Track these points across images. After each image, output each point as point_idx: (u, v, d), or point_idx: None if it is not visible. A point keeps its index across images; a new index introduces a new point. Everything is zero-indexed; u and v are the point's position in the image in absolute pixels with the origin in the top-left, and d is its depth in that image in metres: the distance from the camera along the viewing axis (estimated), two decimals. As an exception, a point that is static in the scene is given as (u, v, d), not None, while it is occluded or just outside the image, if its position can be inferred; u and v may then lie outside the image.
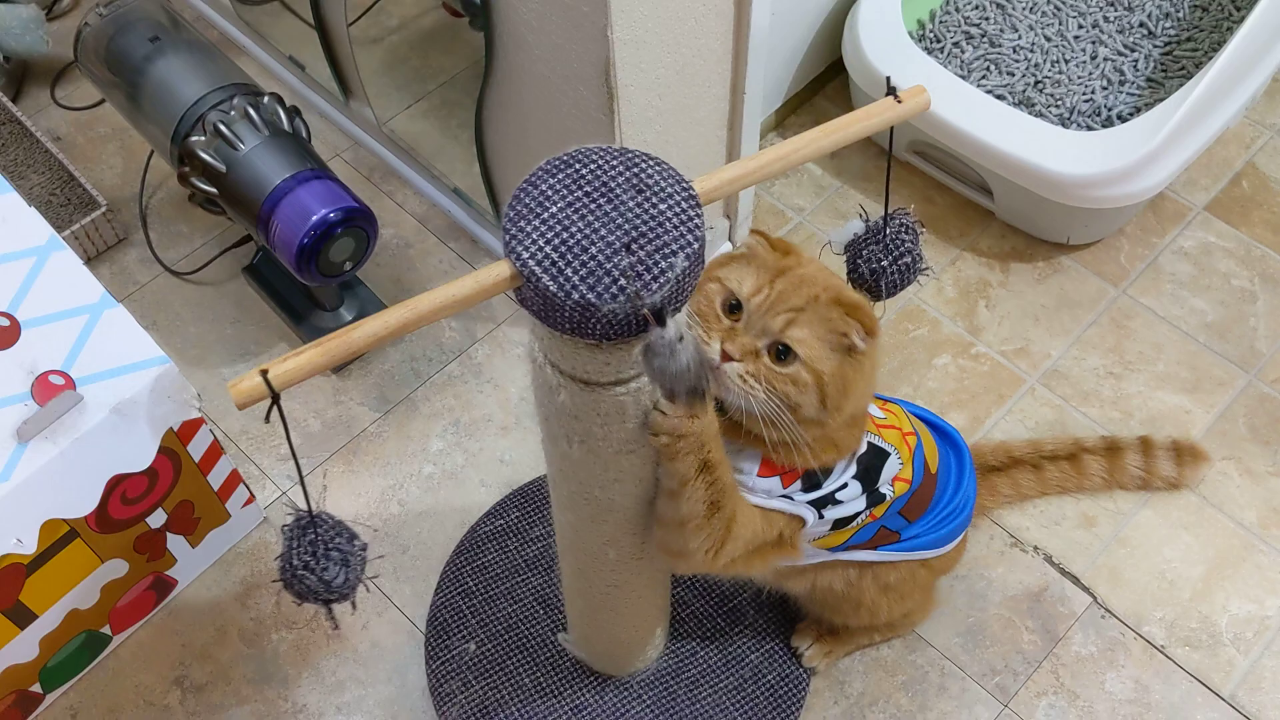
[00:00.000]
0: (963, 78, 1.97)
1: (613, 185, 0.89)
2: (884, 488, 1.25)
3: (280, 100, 1.69)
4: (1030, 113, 1.92)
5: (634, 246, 0.83)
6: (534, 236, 0.86)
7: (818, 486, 1.19)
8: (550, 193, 0.90)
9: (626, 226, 0.85)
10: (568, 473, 1.08)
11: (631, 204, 0.86)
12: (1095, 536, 1.68)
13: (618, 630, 1.39)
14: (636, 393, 0.96)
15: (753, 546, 1.18)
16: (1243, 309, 1.89)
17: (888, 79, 0.90)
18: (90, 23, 1.77)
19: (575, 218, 0.87)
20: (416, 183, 2.02)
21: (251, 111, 1.64)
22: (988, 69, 1.99)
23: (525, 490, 1.68)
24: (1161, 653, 1.59)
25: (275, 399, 0.83)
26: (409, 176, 2.03)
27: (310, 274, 1.62)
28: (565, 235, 0.85)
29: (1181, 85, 1.87)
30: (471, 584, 1.58)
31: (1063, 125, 1.92)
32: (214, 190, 1.65)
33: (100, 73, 1.77)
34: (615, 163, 0.90)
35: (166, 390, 1.34)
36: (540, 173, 0.91)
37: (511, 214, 0.89)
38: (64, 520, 1.37)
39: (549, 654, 1.52)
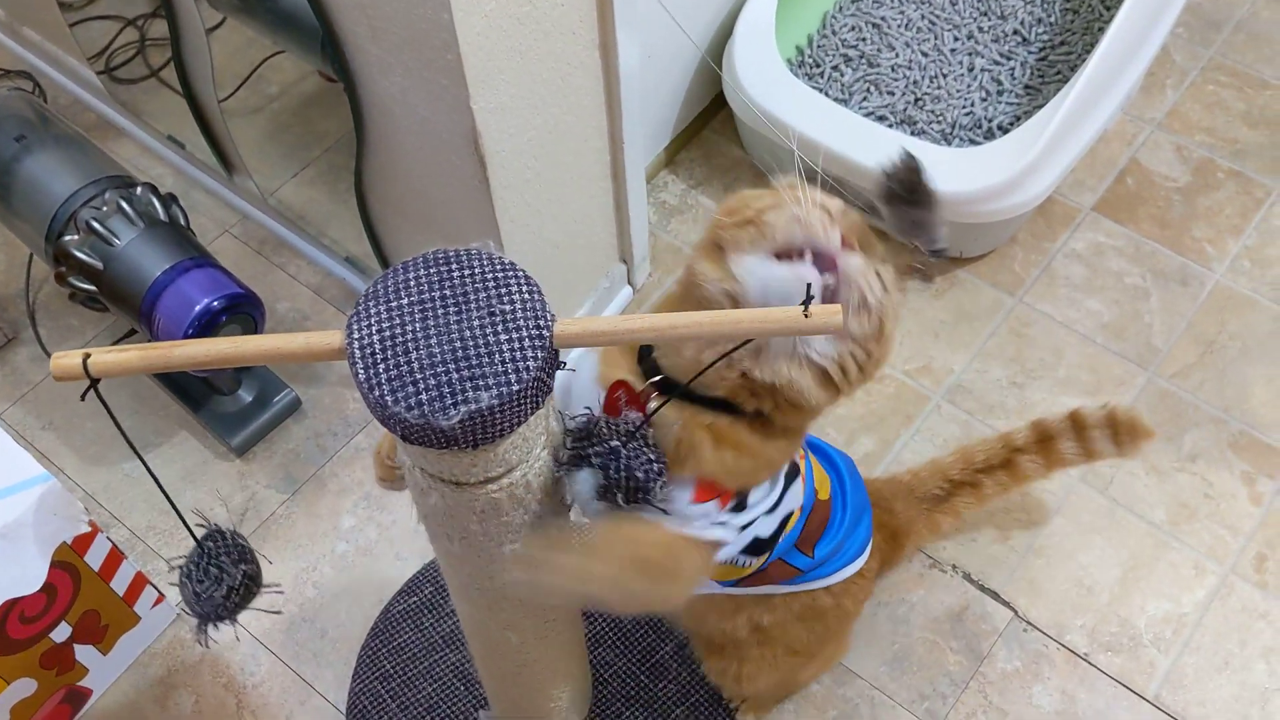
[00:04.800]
0: (844, 101, 1.98)
1: (472, 298, 0.87)
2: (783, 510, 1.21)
3: (154, 189, 1.66)
4: (912, 131, 1.94)
5: (450, 366, 0.82)
6: (372, 320, 0.85)
7: (743, 508, 1.12)
8: (411, 283, 0.88)
9: (458, 344, 0.83)
10: (454, 566, 1.07)
11: (477, 323, 0.85)
12: (1011, 549, 1.70)
13: (537, 703, 1.37)
14: (510, 488, 0.95)
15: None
16: (1137, 306, 1.92)
17: (808, 286, 0.85)
18: (-47, 126, 1.73)
19: (417, 317, 0.85)
20: (309, 253, 2.00)
21: (124, 205, 1.61)
22: (868, 90, 2.00)
23: (438, 563, 1.66)
24: (1085, 660, 1.61)
25: (93, 383, 0.85)
26: (301, 247, 2.01)
27: (199, 365, 1.59)
28: (398, 331, 0.84)
29: (1059, 90, 1.89)
30: (389, 667, 1.56)
31: (945, 141, 1.93)
32: (93, 288, 1.62)
33: (-32, 176, 1.73)
34: (490, 277, 0.89)
35: (52, 507, 1.31)
36: (416, 260, 0.90)
37: (369, 289, 0.88)
38: (-42, 650, 1.34)
39: (474, 730, 1.50)
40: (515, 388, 0.82)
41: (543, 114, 1.47)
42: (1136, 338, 1.89)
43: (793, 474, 1.19)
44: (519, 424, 0.86)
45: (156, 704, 1.60)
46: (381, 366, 0.83)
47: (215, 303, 1.56)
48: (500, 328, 0.85)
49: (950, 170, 1.79)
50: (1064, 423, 1.59)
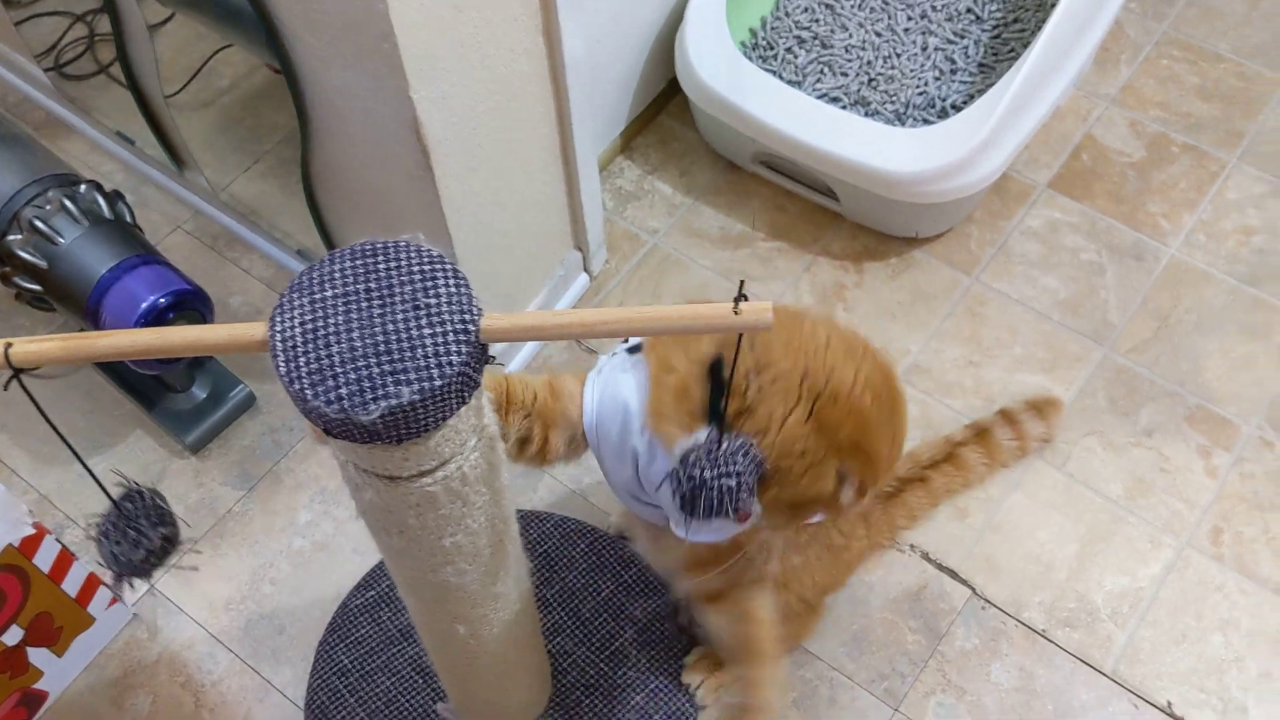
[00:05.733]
0: (797, 84, 1.97)
1: (397, 291, 0.86)
2: None
3: (99, 187, 1.64)
4: (866, 112, 1.93)
5: (371, 360, 0.81)
6: (294, 313, 0.84)
7: None
8: (336, 276, 0.87)
9: (380, 338, 0.82)
10: (397, 561, 1.07)
11: (400, 317, 0.84)
12: (969, 527, 1.70)
13: (493, 695, 1.37)
14: (446, 481, 0.94)
15: None
16: (1093, 282, 1.92)
17: (741, 283, 0.85)
18: (-108, 126, 1.70)
19: (340, 310, 0.84)
20: (262, 246, 1.98)
21: (68, 203, 1.59)
22: (822, 72, 2.00)
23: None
24: (1043, 637, 1.61)
25: (16, 373, 0.85)
26: (253, 241, 1.99)
27: (146, 363, 1.57)
28: (320, 324, 0.83)
29: (1012, 67, 1.89)
30: (346, 661, 1.55)
31: (899, 121, 1.93)
32: (38, 288, 1.60)
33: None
34: (417, 269, 0.87)
35: (-4, 511, 1.30)
36: (343, 252, 0.88)
37: (295, 281, 0.86)
38: (-96, 657, 1.32)
39: (432, 723, 1.50)
40: (438, 383, 0.81)
41: (486, 102, 1.46)
42: (1092, 314, 1.89)
43: None
44: (444, 419, 0.85)
45: (113, 705, 1.59)
46: (303, 360, 0.82)
47: (161, 299, 1.54)
48: (424, 321, 0.84)
49: (904, 150, 1.79)
50: (994, 416, 1.73)
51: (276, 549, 1.70)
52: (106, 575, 1.03)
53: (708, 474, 0.97)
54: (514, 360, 1.84)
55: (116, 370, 1.82)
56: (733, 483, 0.97)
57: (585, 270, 1.93)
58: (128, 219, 1.66)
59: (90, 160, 2.13)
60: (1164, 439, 1.76)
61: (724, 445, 0.97)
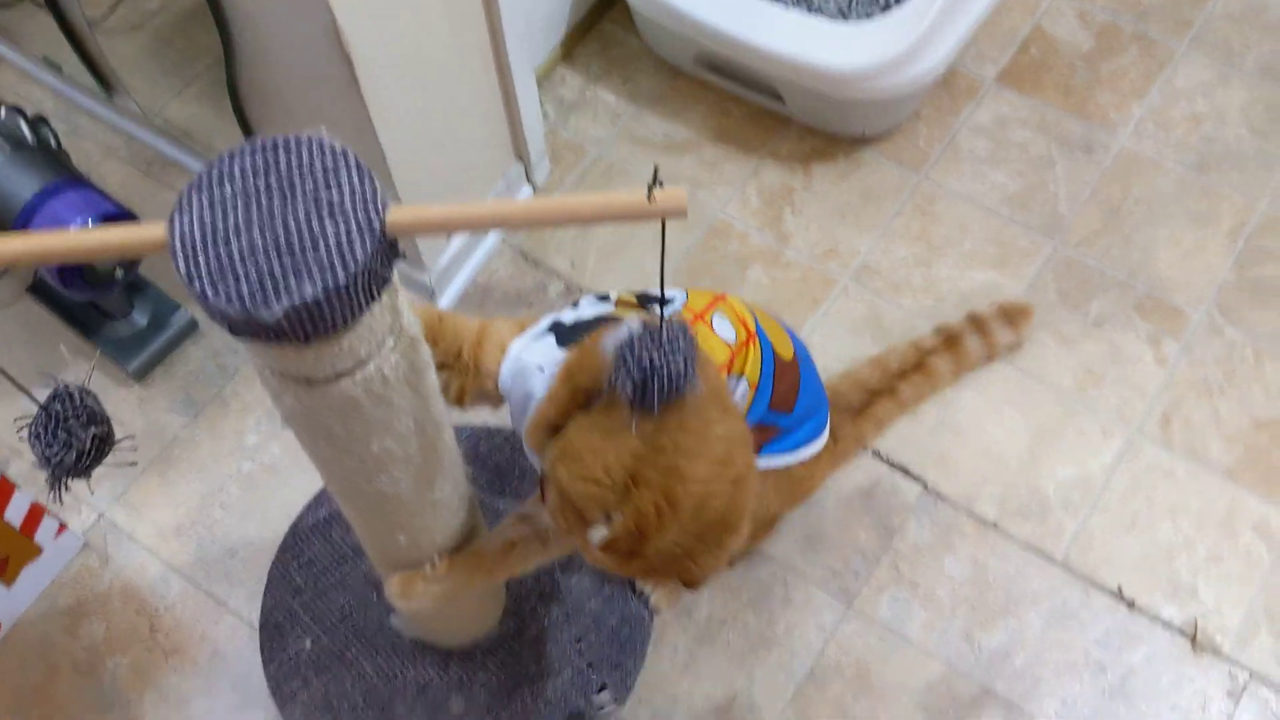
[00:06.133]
0: (738, -18, 1.93)
1: (298, 186, 0.83)
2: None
3: (20, 112, 1.60)
4: (809, 8, 1.89)
5: (272, 257, 0.79)
6: (194, 211, 0.82)
7: None
8: (236, 172, 0.84)
9: (280, 233, 0.80)
10: (329, 470, 1.05)
11: (302, 211, 0.81)
12: (921, 426, 1.70)
13: (446, 607, 1.37)
14: (366, 383, 0.92)
15: None
16: (1042, 176, 1.91)
17: (655, 169, 0.82)
18: None
19: (239, 206, 0.82)
20: (197, 170, 1.94)
21: (-11, 128, 1.55)
22: (763, -30, 1.95)
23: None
24: (995, 528, 1.62)
25: None
26: (189, 165, 1.95)
27: (80, 288, 1.55)
28: (220, 221, 0.80)
29: (955, -41, 1.85)
30: (299, 580, 1.55)
31: (843, 16, 1.89)
32: (-37, 216, 1.56)
33: None
34: (319, 164, 0.84)
35: (-75, 441, 1.28)
36: (244, 149, 0.85)
37: (195, 179, 0.84)
38: None
39: (387, 638, 1.50)
40: (342, 278, 0.79)
41: (410, 8, 1.42)
42: (1042, 208, 1.88)
43: None
44: (354, 316, 0.83)
45: (67, 633, 1.58)
46: (202, 259, 0.79)
47: (89, 222, 1.51)
48: (327, 215, 0.82)
49: (847, 45, 1.76)
50: (964, 323, 1.71)
51: (225, 473, 1.69)
52: (45, 491, 1.02)
53: (656, 359, 0.95)
54: (455, 280, 1.81)
55: (55, 299, 1.78)
56: (680, 363, 0.95)
57: (529, 181, 1.90)
58: (53, 144, 1.62)
59: (19, 89, 2.07)
60: (1114, 330, 1.76)
61: (664, 329, 0.95)
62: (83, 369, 1.77)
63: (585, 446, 0.98)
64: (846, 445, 1.64)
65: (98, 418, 1.00)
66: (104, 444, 1.01)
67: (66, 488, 1.01)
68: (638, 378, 0.95)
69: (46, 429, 0.97)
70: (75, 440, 0.97)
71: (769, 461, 1.33)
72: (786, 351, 1.31)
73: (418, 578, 1.21)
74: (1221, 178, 1.89)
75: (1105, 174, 1.90)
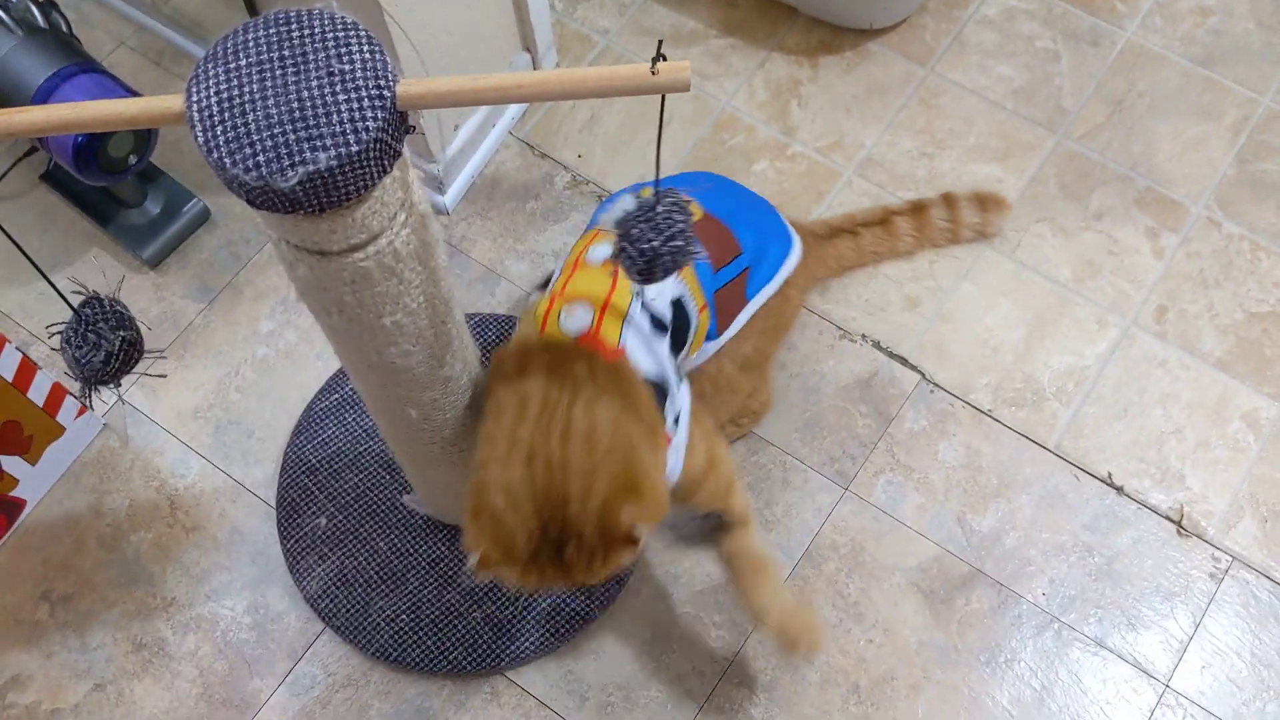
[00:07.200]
0: None
1: (311, 58, 0.86)
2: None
3: (31, -4, 1.61)
4: (817, -101, 1.89)
5: (287, 127, 0.81)
6: (210, 83, 0.84)
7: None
8: (250, 45, 0.87)
9: (294, 104, 0.83)
10: (340, 342, 1.09)
11: (315, 83, 0.84)
12: (919, 316, 1.73)
13: (454, 483, 1.41)
14: (378, 256, 0.96)
15: None
16: (1048, 69, 1.91)
17: (659, 43, 0.83)
18: None
19: (254, 78, 0.84)
20: (208, 60, 1.95)
21: (0, 13, 1.56)
22: None
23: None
24: (989, 416, 1.66)
25: None
26: (198, 54, 1.94)
27: (93, 173, 1.57)
28: (236, 92, 0.83)
29: None
30: (314, 460, 1.60)
31: (851, -93, 1.88)
32: (-23, 101, 1.58)
33: None
34: (330, 36, 0.87)
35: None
36: (256, 22, 0.88)
37: (210, 51, 0.87)
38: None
39: (399, 516, 1.55)
40: (355, 148, 0.82)
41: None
42: (1046, 101, 1.89)
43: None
44: (367, 187, 0.86)
45: (90, 510, 1.64)
46: (219, 129, 0.82)
47: (104, 109, 1.53)
48: (339, 87, 0.84)
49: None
50: (936, 197, 1.74)
51: (241, 358, 1.73)
52: (75, 387, 1.06)
53: (656, 242, 0.97)
54: (463, 172, 1.83)
55: (69, 187, 1.81)
56: (680, 240, 0.97)
57: (536, 69, 1.91)
58: (64, 29, 1.63)
59: (27, -23, 2.07)
60: (1113, 222, 1.78)
61: (659, 207, 0.97)
62: (100, 258, 1.80)
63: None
64: (811, 272, 1.63)
65: (126, 322, 1.03)
66: (133, 349, 1.04)
67: (97, 391, 1.04)
68: (641, 263, 0.98)
69: (76, 332, 1.01)
70: (104, 342, 1.01)
71: (759, 300, 1.42)
72: (695, 212, 1.32)
73: None
74: (1227, 71, 1.89)
75: (1110, 67, 1.91)
